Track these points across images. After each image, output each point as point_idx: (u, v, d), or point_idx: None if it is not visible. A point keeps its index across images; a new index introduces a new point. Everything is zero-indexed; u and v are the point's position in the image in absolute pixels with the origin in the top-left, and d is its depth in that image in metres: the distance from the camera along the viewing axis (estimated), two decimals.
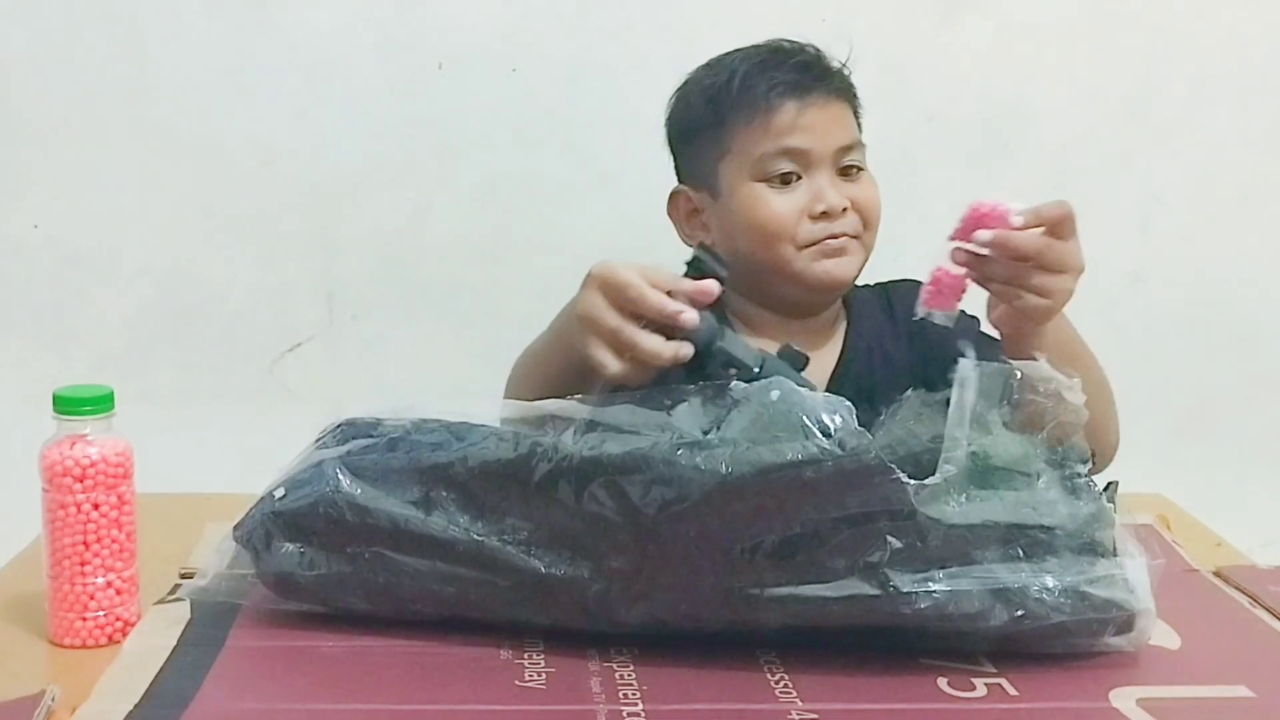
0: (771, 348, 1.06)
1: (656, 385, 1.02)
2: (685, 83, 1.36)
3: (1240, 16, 1.90)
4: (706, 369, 1.02)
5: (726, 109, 1.30)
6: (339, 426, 1.05)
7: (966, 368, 0.97)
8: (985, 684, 0.95)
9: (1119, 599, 0.97)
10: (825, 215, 1.27)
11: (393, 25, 1.84)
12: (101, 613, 1.01)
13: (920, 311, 1.09)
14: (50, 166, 1.85)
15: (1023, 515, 0.95)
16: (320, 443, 1.05)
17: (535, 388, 1.14)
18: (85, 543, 1.00)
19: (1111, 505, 0.99)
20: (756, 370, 1.02)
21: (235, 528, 1.04)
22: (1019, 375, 0.99)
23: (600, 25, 1.84)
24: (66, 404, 1.00)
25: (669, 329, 1.02)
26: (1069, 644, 0.97)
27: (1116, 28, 1.88)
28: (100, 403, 1.00)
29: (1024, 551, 0.95)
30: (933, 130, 1.87)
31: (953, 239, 1.07)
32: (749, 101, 1.28)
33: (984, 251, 1.06)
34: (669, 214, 1.37)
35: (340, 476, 1.00)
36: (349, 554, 1.00)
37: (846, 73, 1.33)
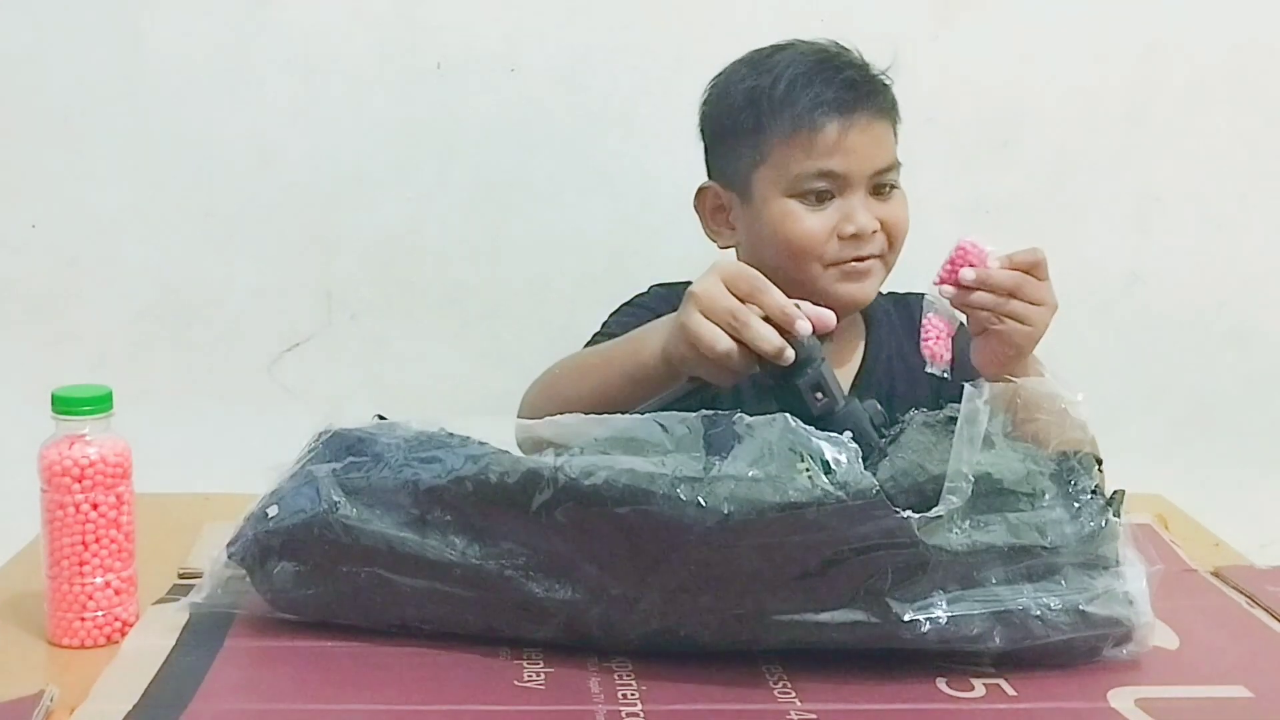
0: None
1: (737, 392, 1.00)
2: (725, 75, 1.34)
3: (1239, 17, 1.89)
4: (796, 382, 1.01)
5: (767, 117, 1.28)
6: (326, 437, 1.03)
7: (972, 398, 0.96)
8: (984, 684, 0.95)
9: (1119, 615, 0.97)
10: (855, 237, 1.27)
11: (391, 25, 1.84)
12: (100, 613, 1.01)
13: (932, 368, 1.14)
14: (48, 166, 1.85)
15: (1026, 537, 0.95)
16: (311, 454, 1.02)
17: (582, 394, 1.14)
18: (84, 543, 1.00)
19: (1118, 518, 0.99)
20: (840, 404, 1.01)
21: (229, 545, 1.02)
22: (1023, 392, 0.99)
23: (600, 25, 1.84)
24: (65, 404, 1.00)
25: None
26: (1068, 659, 0.97)
27: (1115, 28, 1.88)
28: (99, 403, 1.00)
29: (1026, 572, 0.95)
30: (932, 130, 1.87)
31: (940, 282, 1.11)
32: (792, 115, 1.27)
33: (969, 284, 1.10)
34: (695, 207, 1.37)
35: (334, 496, 0.99)
36: (345, 573, 0.99)
37: (888, 82, 1.32)
